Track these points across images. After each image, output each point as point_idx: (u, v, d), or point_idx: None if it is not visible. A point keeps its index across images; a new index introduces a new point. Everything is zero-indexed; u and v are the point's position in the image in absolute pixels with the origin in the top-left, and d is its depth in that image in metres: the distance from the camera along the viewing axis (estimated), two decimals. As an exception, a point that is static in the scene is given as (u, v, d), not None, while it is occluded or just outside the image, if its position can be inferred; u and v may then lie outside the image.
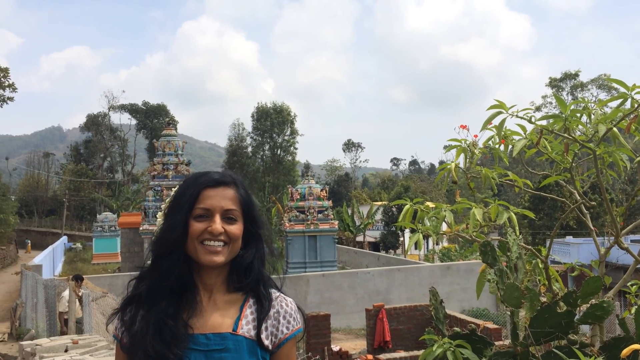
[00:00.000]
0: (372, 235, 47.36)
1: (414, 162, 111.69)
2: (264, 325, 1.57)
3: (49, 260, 26.42)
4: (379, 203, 47.02)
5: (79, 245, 44.55)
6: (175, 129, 34.47)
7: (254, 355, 1.54)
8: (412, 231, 3.41)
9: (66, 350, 7.01)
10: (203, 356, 1.49)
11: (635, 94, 2.63)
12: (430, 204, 3.42)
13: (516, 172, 4.01)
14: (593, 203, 3.35)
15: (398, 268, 21.68)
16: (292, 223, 25.03)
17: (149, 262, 1.62)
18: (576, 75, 59.91)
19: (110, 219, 38.29)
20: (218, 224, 1.53)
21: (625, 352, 2.26)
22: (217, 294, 1.59)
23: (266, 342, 1.57)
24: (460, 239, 3.86)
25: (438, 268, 22.31)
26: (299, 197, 26.20)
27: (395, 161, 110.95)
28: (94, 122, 66.16)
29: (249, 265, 1.60)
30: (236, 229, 1.56)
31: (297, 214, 25.46)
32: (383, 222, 45.64)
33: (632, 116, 2.57)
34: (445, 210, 3.36)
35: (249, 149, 61.53)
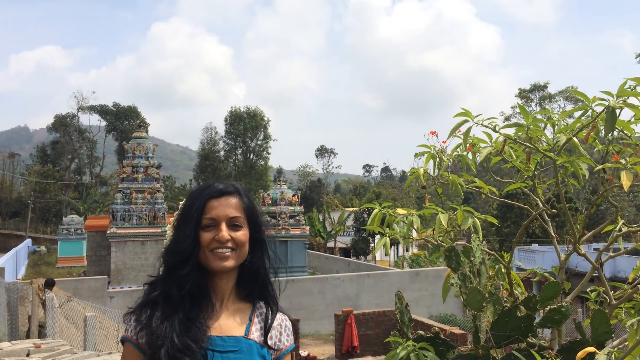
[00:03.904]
0: (343, 241, 47.48)
1: (386, 169, 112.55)
2: (269, 334, 1.69)
3: (12, 263, 25.70)
4: (351, 209, 47.20)
5: (43, 248, 43.46)
6: (146, 132, 33.97)
7: (262, 359, 1.65)
8: (381, 236, 3.46)
9: (28, 355, 6.85)
10: (220, 356, 1.59)
11: (596, 105, 2.73)
12: (401, 210, 3.48)
13: (485, 180, 4.10)
14: (554, 211, 3.45)
15: (368, 274, 21.80)
16: (264, 228, 24.86)
17: (150, 271, 1.74)
18: (545, 86, 61.33)
19: (76, 221, 37.48)
20: (225, 232, 1.63)
21: (580, 354, 2.33)
22: (228, 301, 1.69)
23: (272, 349, 1.69)
24: (429, 245, 3.93)
25: (407, 274, 22.51)
26: (270, 202, 26.13)
27: (368, 168, 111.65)
28: (62, 123, 64.76)
29: (256, 270, 1.72)
30: (242, 235, 1.67)
31: (269, 218, 25.38)
32: (354, 228, 45.83)
33: (590, 127, 2.67)
34: (412, 216, 3.42)
35: (222, 153, 61.16)
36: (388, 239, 3.42)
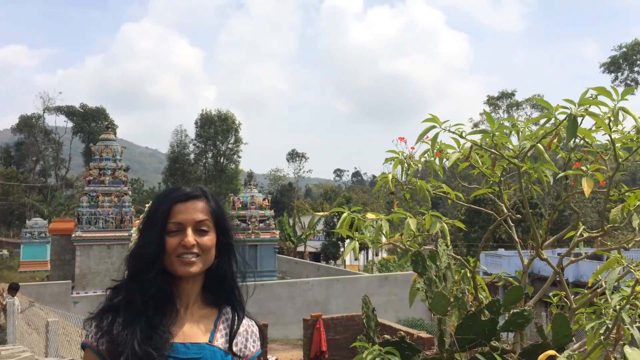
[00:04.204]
0: (313, 245, 47.47)
1: (356, 174, 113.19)
2: (235, 340, 1.67)
3: (-28, 267, 24.92)
4: (321, 213, 47.26)
5: (5, 252, 42.23)
6: (114, 133, 33.40)
7: None
8: (350, 240, 3.47)
9: (-14, 362, 6.64)
10: None
11: (559, 114, 2.79)
12: (371, 215, 3.50)
13: (454, 186, 4.16)
14: (518, 216, 3.51)
15: (337, 278, 21.84)
16: (232, 232, 24.74)
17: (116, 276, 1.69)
18: (512, 94, 62.53)
19: (40, 225, 36.56)
20: (190, 237, 1.60)
21: (541, 357, 2.37)
22: (194, 306, 1.66)
23: (237, 356, 1.67)
24: (398, 249, 3.95)
25: (376, 278, 22.63)
26: (240, 205, 26.00)
27: (339, 172, 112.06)
28: (27, 124, 63.19)
29: (223, 274, 1.69)
30: (208, 240, 1.64)
31: (239, 222, 25.23)
32: (324, 233, 45.86)
33: (553, 134, 2.73)
34: (381, 220, 3.44)
35: (192, 156, 60.54)
36: (357, 243, 3.43)
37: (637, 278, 2.21)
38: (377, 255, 40.53)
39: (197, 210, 1.64)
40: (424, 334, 10.62)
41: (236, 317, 1.69)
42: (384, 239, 3.58)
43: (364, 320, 3.15)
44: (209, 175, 58.18)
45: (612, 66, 49.95)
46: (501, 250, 27.99)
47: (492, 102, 63.19)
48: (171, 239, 1.60)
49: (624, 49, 49.37)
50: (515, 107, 61.78)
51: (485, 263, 24.97)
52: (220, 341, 1.64)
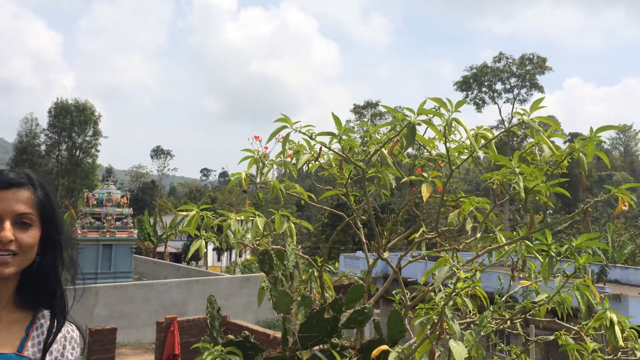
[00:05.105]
0: (175, 245, 46.01)
1: (224, 174, 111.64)
2: (50, 349, 1.47)
3: None
4: (184, 213, 45.85)
5: None
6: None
7: None
8: (197, 238, 3.37)
9: None
10: None
11: (404, 122, 2.94)
12: (236, 216, 3.43)
13: (315, 187, 4.22)
14: (364, 217, 3.65)
15: (197, 279, 21.36)
16: (85, 230, 23.22)
17: None
18: (376, 104, 65.85)
19: None
20: (8, 231, 1.38)
21: (375, 352, 2.47)
22: (4, 310, 1.45)
23: None
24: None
25: (237, 279, 22.47)
26: (95, 202, 24.48)
27: (206, 172, 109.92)
28: None
29: (45, 275, 1.48)
30: (29, 236, 1.43)
31: (92, 220, 23.72)
32: (187, 233, 44.64)
33: (395, 140, 2.86)
34: (230, 219, 3.39)
35: (42, 147, 55.75)
36: (203, 242, 3.35)
37: (458, 276, 2.39)
38: (240, 256, 40.33)
39: (20, 200, 1.43)
40: (280, 334, 10.72)
41: (54, 323, 1.50)
42: (248, 238, 3.52)
43: (208, 321, 3.07)
44: (62, 169, 54.02)
45: (464, 85, 54.62)
46: (359, 253, 29.25)
47: (358, 110, 66.03)
48: None
49: (474, 70, 54.25)
50: (378, 117, 65.09)
51: (344, 264, 25.91)
52: (31, 351, 1.44)
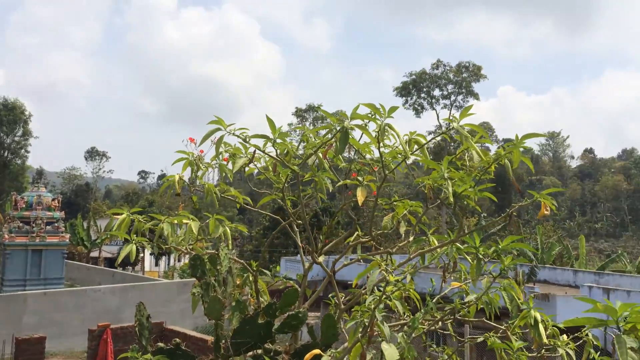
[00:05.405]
0: (110, 250, 44.43)
1: (162, 176, 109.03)
2: None
3: None
4: (121, 217, 44.40)
5: None
6: None
7: None
8: (127, 242, 3.27)
9: None
10: None
11: (338, 126, 2.96)
12: (168, 220, 3.34)
13: (250, 191, 4.19)
14: (300, 222, 3.64)
15: (133, 285, 20.69)
16: (12, 235, 22.03)
17: None
18: (318, 108, 66.11)
19: None
20: None
21: (307, 356, 2.47)
22: None
23: None
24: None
25: (175, 285, 21.93)
26: (24, 205, 23.27)
27: (143, 174, 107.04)
28: None
29: None
30: None
31: (21, 224, 22.53)
32: (123, 237, 43.19)
33: (327, 144, 2.87)
34: (162, 223, 3.30)
35: (-34, 147, 52.62)
36: (134, 247, 3.24)
37: (388, 280, 2.41)
38: (179, 261, 39.42)
39: None
40: (218, 340, 10.53)
41: None
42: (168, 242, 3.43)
43: (137, 329, 2.97)
44: (-12, 170, 51.13)
45: (404, 91, 55.74)
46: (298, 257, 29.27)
47: (299, 113, 66.07)
48: None
49: (414, 77, 55.47)
50: (320, 121, 65.37)
51: (285, 268, 25.84)
52: None
